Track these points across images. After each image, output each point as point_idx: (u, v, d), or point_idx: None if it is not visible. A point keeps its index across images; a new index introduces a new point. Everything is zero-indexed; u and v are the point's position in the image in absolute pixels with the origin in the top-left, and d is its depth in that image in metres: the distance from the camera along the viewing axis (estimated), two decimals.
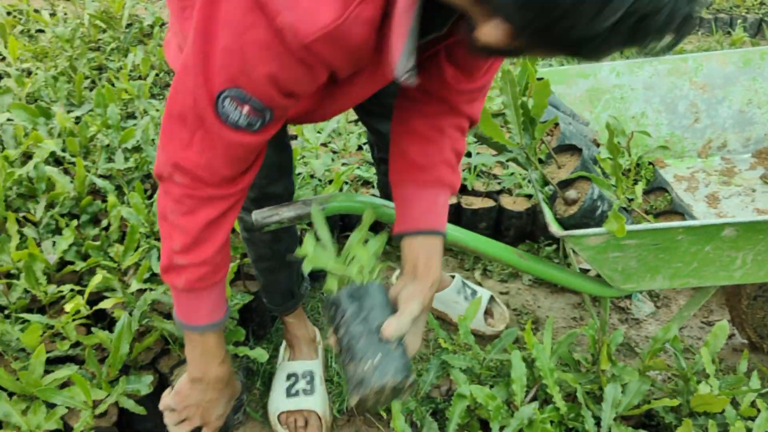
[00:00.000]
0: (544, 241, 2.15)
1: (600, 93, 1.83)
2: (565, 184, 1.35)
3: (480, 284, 2.05)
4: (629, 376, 1.29)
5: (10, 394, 1.31)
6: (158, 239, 1.71)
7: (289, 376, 1.59)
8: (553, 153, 1.40)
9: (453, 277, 1.91)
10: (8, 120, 2.07)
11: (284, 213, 1.24)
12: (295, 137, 2.41)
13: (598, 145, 1.57)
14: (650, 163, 1.54)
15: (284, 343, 1.73)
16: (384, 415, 1.60)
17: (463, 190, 2.22)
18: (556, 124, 1.49)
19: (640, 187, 1.31)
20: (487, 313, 1.86)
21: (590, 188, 1.27)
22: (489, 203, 2.16)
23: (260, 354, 1.47)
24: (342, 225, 2.18)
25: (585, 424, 1.25)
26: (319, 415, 1.53)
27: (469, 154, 2.31)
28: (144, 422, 1.47)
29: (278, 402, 1.56)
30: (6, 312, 1.54)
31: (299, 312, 1.65)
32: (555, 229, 1.24)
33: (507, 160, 1.53)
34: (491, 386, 1.38)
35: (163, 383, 1.50)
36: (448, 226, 1.26)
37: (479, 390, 1.31)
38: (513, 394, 1.31)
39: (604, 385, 1.29)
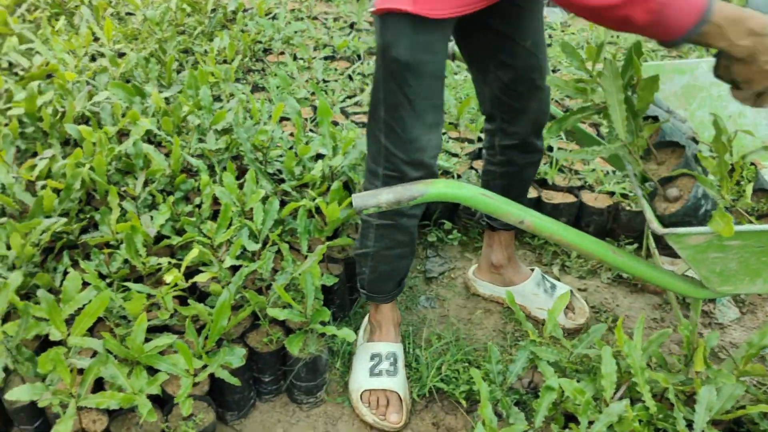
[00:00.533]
0: (624, 239, 2.11)
1: (696, 90, 1.78)
2: (666, 181, 1.32)
3: (558, 280, 2.04)
4: (725, 379, 1.27)
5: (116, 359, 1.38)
6: (249, 218, 1.77)
7: (372, 356, 1.62)
8: (653, 149, 1.38)
9: (532, 270, 1.91)
10: (106, 99, 2.17)
11: (383, 197, 1.26)
12: None
13: (696, 143, 1.53)
14: (752, 164, 1.49)
15: (364, 325, 1.77)
16: (463, 402, 1.61)
17: (544, 184, 2.20)
18: (655, 119, 1.46)
19: (749, 187, 1.28)
20: (567, 307, 1.85)
21: (694, 186, 1.25)
22: (569, 198, 2.14)
23: (348, 334, 1.51)
24: None
25: (676, 425, 1.23)
26: (401, 396, 1.56)
27: (550, 148, 2.29)
28: (233, 393, 1.53)
29: (361, 380, 1.60)
30: (107, 281, 1.62)
31: None
32: (656, 226, 1.22)
33: (601, 156, 1.52)
34: (577, 381, 1.37)
35: (251, 358, 1.56)
36: (535, 214, 1.27)
37: (568, 383, 1.31)
38: (602, 389, 1.31)
39: (697, 388, 1.27)
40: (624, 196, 2.13)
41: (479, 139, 2.38)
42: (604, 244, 1.36)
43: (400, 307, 1.93)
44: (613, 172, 2.25)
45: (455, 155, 2.28)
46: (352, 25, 3.46)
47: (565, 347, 1.44)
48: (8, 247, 1.60)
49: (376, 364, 1.62)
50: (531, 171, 1.72)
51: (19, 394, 1.27)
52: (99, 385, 1.43)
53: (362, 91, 2.73)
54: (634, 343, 1.33)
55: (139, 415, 1.32)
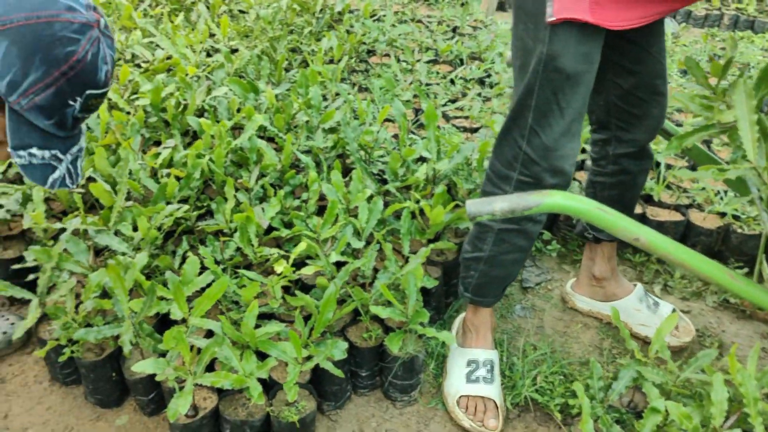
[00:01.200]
0: (734, 263, 2.03)
1: None
2: None
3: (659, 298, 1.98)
4: None
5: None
6: (354, 216, 1.82)
7: (469, 362, 1.63)
8: None
9: (635, 285, 1.86)
10: (224, 94, 2.28)
11: (498, 205, 1.27)
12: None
13: None
14: None
15: (456, 328, 1.79)
16: (558, 415, 1.60)
17: (649, 200, 2.14)
18: None
19: None
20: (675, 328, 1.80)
21: None
22: (676, 217, 2.08)
23: (447, 337, 1.53)
24: None
25: None
26: (497, 403, 1.57)
27: (658, 164, 2.23)
28: (332, 384, 1.59)
29: (458, 386, 1.61)
30: (221, 267, 1.71)
31: None
32: None
33: (724, 180, 1.47)
34: (683, 405, 1.34)
35: (350, 352, 1.60)
36: (651, 231, 1.24)
37: (674, 407, 1.28)
38: (711, 417, 1.27)
39: None
40: (736, 217, 2.05)
41: (582, 151, 2.34)
42: (724, 269, 1.31)
43: (495, 315, 1.94)
44: (725, 192, 2.16)
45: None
46: (454, 29, 3.47)
47: (671, 370, 1.41)
48: (134, 229, 1.72)
49: (473, 371, 1.63)
50: (643, 178, 1.69)
51: (144, 367, 1.36)
52: (209, 366, 1.51)
53: (464, 95, 2.74)
54: (748, 372, 1.29)
55: (248, 396, 1.39)
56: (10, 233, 1.88)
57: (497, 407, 1.57)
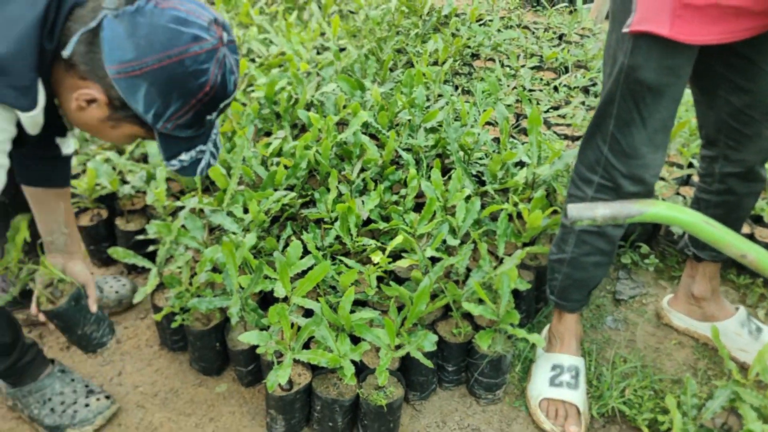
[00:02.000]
0: None
1: None
2: None
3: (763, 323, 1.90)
4: None
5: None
6: (451, 214, 1.87)
7: (554, 367, 1.64)
8: None
9: (737, 308, 1.80)
10: (333, 90, 2.38)
11: (600, 211, 1.27)
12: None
13: None
14: None
15: (544, 334, 1.79)
16: (645, 430, 1.57)
17: (759, 221, 2.05)
18: None
19: None
20: None
21: None
22: None
23: (537, 339, 1.55)
24: None
25: None
26: (580, 410, 1.57)
27: None
28: (419, 375, 1.64)
29: (541, 388, 1.62)
30: (321, 253, 1.80)
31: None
32: None
33: None
34: None
35: (438, 346, 1.65)
36: (761, 250, 1.20)
37: None
38: None
39: None
40: None
41: (689, 165, 2.27)
42: None
43: (585, 325, 1.92)
44: None
45: (662, 179, 2.20)
46: (561, 37, 3.44)
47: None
48: (245, 211, 1.84)
49: (557, 375, 1.64)
50: (751, 201, 1.63)
51: (248, 338, 1.46)
52: (305, 344, 1.60)
53: (567, 103, 2.71)
54: None
55: (340, 376, 1.46)
56: (133, 208, 2.06)
57: (579, 414, 1.56)
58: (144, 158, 2.20)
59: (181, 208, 1.91)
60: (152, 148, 2.10)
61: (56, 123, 1.28)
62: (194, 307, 1.59)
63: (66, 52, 1.06)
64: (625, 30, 1.25)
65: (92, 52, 1.06)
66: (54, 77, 1.11)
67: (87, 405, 1.60)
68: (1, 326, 1.47)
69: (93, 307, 1.53)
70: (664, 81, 1.28)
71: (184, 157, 1.20)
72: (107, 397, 1.63)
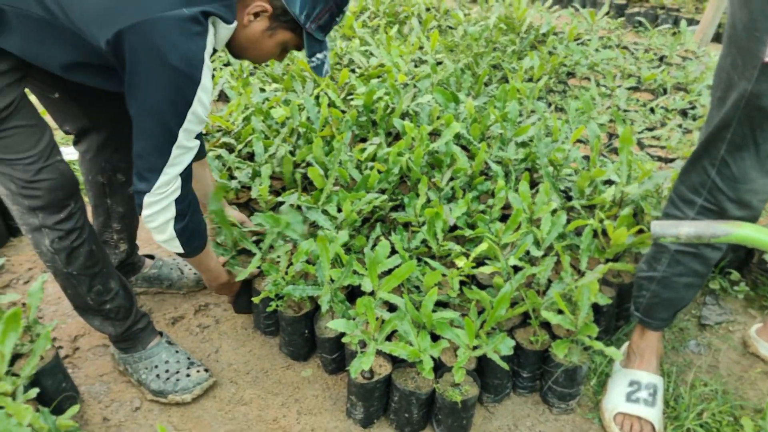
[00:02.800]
0: None
1: None
2: None
3: None
4: None
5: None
6: (536, 226, 1.92)
7: (631, 383, 1.65)
8: None
9: None
10: (428, 101, 2.49)
11: (684, 230, 1.30)
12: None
13: None
14: None
15: (623, 350, 1.80)
16: None
17: None
18: None
19: None
20: None
21: None
22: None
23: (614, 352, 1.57)
24: None
25: None
26: (655, 428, 1.58)
27: None
28: (494, 378, 1.69)
29: (617, 402, 1.64)
30: (408, 254, 1.90)
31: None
32: None
33: None
34: None
35: (515, 352, 1.70)
36: None
37: None
38: None
39: None
40: None
41: None
42: None
43: (667, 346, 1.92)
44: None
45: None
46: (662, 58, 3.39)
47: None
48: (338, 210, 1.97)
49: (635, 391, 1.65)
50: None
51: (336, 325, 1.58)
52: (388, 337, 1.69)
53: (663, 125, 2.69)
54: None
55: (419, 370, 1.55)
56: (238, 201, 2.23)
57: (654, 431, 1.57)
58: (250, 157, 2.38)
59: (281, 203, 2.06)
60: (258, 147, 2.27)
61: None
62: (288, 293, 1.72)
63: None
64: (765, 58, 1.25)
65: None
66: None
67: (188, 375, 1.77)
68: (123, 292, 1.68)
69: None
70: None
71: (319, 56, 1.49)
72: (206, 371, 1.79)
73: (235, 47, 1.47)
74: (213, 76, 1.35)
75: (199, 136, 1.48)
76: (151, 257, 2.17)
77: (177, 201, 1.44)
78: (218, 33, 1.35)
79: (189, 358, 1.82)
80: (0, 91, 1.33)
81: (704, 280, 1.57)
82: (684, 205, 1.47)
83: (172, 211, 1.45)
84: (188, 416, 1.73)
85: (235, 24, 1.37)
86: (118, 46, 1.24)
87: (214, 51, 1.40)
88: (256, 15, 1.39)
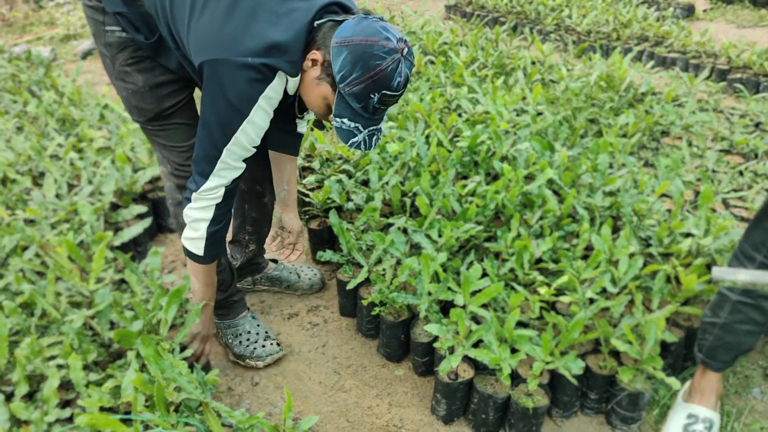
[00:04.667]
0: None
1: None
2: None
3: None
4: None
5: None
6: (614, 266, 2.14)
7: (689, 416, 1.84)
8: None
9: None
10: (525, 148, 2.77)
11: (741, 276, 1.50)
12: None
13: None
14: None
15: (686, 387, 1.98)
16: None
17: None
18: None
19: None
20: None
21: None
22: None
23: (673, 382, 1.77)
24: None
25: None
26: None
27: None
28: (564, 395, 1.92)
29: (675, 431, 1.83)
30: (498, 279, 2.17)
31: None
32: None
33: None
34: None
35: (585, 375, 1.92)
36: None
37: None
38: None
39: None
40: None
41: None
42: None
43: (730, 390, 2.07)
44: None
45: None
46: (758, 125, 3.51)
47: None
48: (439, 235, 2.28)
49: (691, 423, 1.83)
50: None
51: (432, 328, 1.88)
52: (474, 346, 1.96)
53: (750, 187, 2.83)
54: None
55: (498, 375, 1.81)
56: (351, 220, 2.59)
57: None
58: (365, 183, 2.75)
59: (390, 225, 2.39)
60: (373, 176, 2.63)
61: (295, 107, 1.94)
62: (392, 300, 2.04)
63: (319, 35, 1.57)
64: None
65: (329, 33, 1.56)
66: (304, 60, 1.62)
67: (264, 346, 2.17)
68: (229, 268, 2.12)
69: (297, 253, 2.23)
70: None
71: (346, 122, 1.62)
72: (278, 344, 2.19)
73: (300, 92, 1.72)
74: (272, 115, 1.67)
75: (280, 130, 1.91)
76: (275, 261, 2.56)
77: (217, 206, 1.72)
78: (289, 83, 1.63)
79: (267, 333, 2.21)
80: (168, 94, 1.84)
81: (763, 329, 1.74)
82: (745, 260, 1.67)
83: (210, 213, 1.73)
84: (297, 395, 2.07)
85: (298, 77, 1.63)
86: (200, 73, 1.58)
87: (289, 95, 1.69)
88: (313, 62, 1.59)
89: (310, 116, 2.12)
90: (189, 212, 1.74)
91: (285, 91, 1.65)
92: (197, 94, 1.85)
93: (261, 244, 2.42)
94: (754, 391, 2.07)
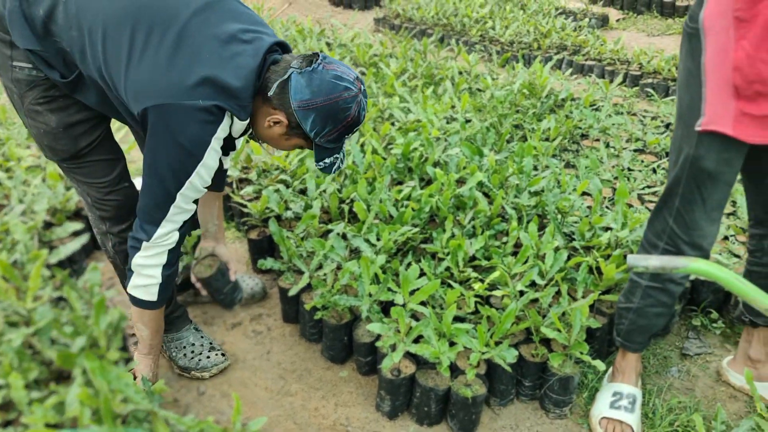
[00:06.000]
0: None
1: None
2: None
3: None
4: None
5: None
6: (541, 260, 2.28)
7: (615, 393, 1.99)
8: None
9: None
10: (456, 153, 2.90)
11: (652, 262, 1.65)
12: None
13: None
14: None
15: (610, 371, 2.13)
16: None
17: None
18: None
19: None
20: None
21: None
22: None
23: (599, 364, 1.91)
24: None
25: None
26: (634, 430, 1.90)
27: None
28: (500, 383, 2.04)
29: (602, 408, 1.97)
30: (435, 278, 2.27)
31: None
32: None
33: None
34: None
35: (519, 363, 2.04)
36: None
37: None
38: None
39: None
40: None
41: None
42: None
43: (651, 371, 2.24)
44: None
45: (737, 256, 2.49)
46: (668, 125, 3.78)
47: None
48: (378, 239, 2.36)
49: (617, 400, 1.98)
50: None
51: (374, 327, 1.95)
52: (414, 341, 2.05)
53: (662, 183, 3.05)
54: None
55: (438, 368, 1.90)
56: (290, 229, 2.64)
57: None
58: (303, 191, 2.81)
59: (329, 231, 2.46)
60: (310, 184, 2.69)
61: (230, 145, 1.95)
62: (335, 303, 2.11)
63: (270, 93, 1.62)
64: (697, 128, 1.62)
65: (283, 93, 1.61)
66: (254, 105, 1.68)
67: (208, 357, 2.19)
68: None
69: (232, 277, 2.28)
70: (721, 169, 1.65)
71: (327, 161, 1.74)
72: (223, 354, 2.22)
73: (258, 138, 1.78)
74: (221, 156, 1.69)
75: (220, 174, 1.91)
76: None
77: (170, 251, 1.72)
78: (234, 125, 1.65)
79: (211, 343, 2.24)
80: (83, 133, 1.75)
81: (671, 310, 1.91)
82: (650, 247, 1.83)
83: (164, 258, 1.72)
84: (244, 401, 2.10)
85: (247, 121, 1.65)
86: (144, 119, 1.54)
87: (232, 137, 1.72)
88: (276, 123, 1.66)
89: (234, 153, 2.15)
90: (140, 261, 1.71)
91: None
92: (115, 125, 1.82)
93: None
94: (672, 370, 2.25)
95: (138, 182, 3.22)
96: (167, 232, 1.68)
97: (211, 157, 1.60)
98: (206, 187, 1.69)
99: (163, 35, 1.51)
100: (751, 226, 1.95)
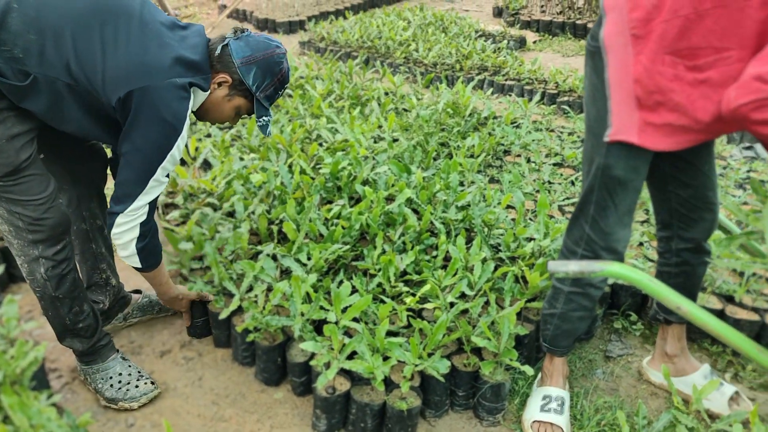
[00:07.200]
0: None
1: None
2: None
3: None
4: None
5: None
6: (470, 272, 2.34)
7: (544, 397, 2.05)
8: None
9: (702, 364, 2.18)
10: (384, 171, 2.94)
11: (571, 267, 1.73)
12: None
13: None
14: None
15: (540, 375, 2.20)
16: None
17: (731, 300, 2.45)
18: None
19: None
20: (734, 401, 2.08)
21: None
22: (753, 317, 2.37)
23: (528, 369, 1.97)
24: None
25: None
26: (564, 431, 1.96)
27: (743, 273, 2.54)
28: (434, 395, 2.07)
29: (533, 412, 2.03)
30: (367, 294, 2.29)
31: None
32: None
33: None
34: None
35: (452, 374, 2.08)
36: (691, 303, 1.61)
37: None
38: None
39: None
40: None
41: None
42: (752, 342, 1.67)
43: (577, 374, 2.33)
44: None
45: (652, 261, 2.63)
46: (583, 140, 3.96)
47: (705, 421, 1.74)
48: (308, 258, 2.37)
49: (547, 403, 2.04)
50: (702, 269, 2.04)
51: (307, 346, 1.95)
52: (348, 358, 2.05)
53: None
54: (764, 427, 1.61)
55: (373, 383, 1.91)
56: (219, 252, 2.61)
57: None
58: (231, 214, 2.78)
59: (259, 252, 2.44)
60: (238, 207, 2.67)
61: None
62: (267, 324, 2.09)
63: (216, 53, 1.88)
64: (605, 139, 1.71)
65: (224, 56, 1.88)
66: None
67: (137, 386, 2.13)
68: (92, 314, 2.07)
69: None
70: (630, 176, 1.75)
71: (265, 119, 1.98)
72: (153, 383, 2.16)
73: (200, 110, 1.96)
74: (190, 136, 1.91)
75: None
76: (139, 292, 2.52)
77: (142, 224, 1.88)
78: (195, 98, 1.88)
79: (139, 372, 2.17)
80: (22, 147, 1.75)
81: (593, 314, 2.00)
82: (570, 254, 1.92)
83: (136, 232, 1.88)
84: (176, 429, 2.05)
85: (208, 92, 1.89)
86: (126, 102, 1.70)
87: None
88: (220, 84, 1.89)
89: None
90: (115, 235, 1.88)
91: None
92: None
93: (117, 275, 2.37)
94: (597, 372, 2.34)
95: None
96: (141, 205, 1.84)
97: (186, 130, 1.82)
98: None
99: (129, 26, 1.72)
100: (658, 230, 2.07)
